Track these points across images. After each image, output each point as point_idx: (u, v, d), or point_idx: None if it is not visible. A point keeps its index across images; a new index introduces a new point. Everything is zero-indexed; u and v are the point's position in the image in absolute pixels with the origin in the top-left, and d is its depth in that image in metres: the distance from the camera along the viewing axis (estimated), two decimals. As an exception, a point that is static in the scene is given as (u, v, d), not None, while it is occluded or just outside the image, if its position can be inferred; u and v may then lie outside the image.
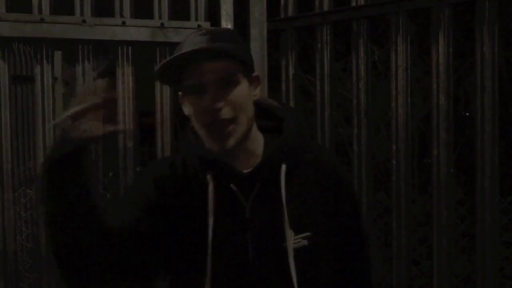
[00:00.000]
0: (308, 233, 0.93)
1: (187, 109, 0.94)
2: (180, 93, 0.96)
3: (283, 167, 0.93)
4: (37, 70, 1.73)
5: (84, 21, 1.73)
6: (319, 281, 0.95)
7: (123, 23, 1.76)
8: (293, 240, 0.91)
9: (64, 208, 0.84)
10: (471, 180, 1.66)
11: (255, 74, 0.96)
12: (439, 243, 1.66)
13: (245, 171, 0.93)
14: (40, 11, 1.71)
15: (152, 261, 0.95)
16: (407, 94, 1.71)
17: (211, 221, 0.90)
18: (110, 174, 2.43)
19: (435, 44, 1.65)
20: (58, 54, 3.07)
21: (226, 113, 0.89)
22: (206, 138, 0.92)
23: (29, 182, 2.72)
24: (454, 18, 1.65)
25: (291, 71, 1.93)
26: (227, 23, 1.82)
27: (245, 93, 0.92)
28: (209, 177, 0.92)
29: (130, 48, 1.78)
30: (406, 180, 1.72)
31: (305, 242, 0.92)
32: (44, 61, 1.73)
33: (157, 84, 1.82)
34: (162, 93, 1.82)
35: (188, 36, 0.93)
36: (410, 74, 1.71)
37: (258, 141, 0.97)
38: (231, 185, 0.92)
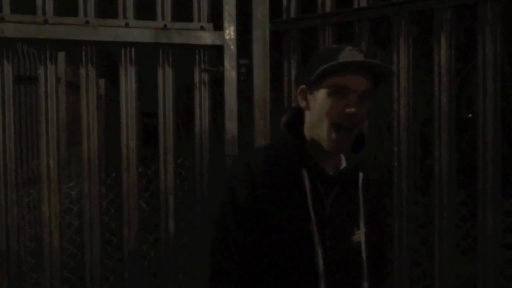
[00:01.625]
0: (365, 230, 1.11)
1: (305, 103, 1.10)
2: (304, 86, 1.10)
3: (361, 175, 1.13)
4: (41, 71, 1.74)
5: (87, 22, 1.74)
6: (372, 268, 1.13)
7: (126, 25, 1.77)
8: (357, 234, 1.10)
9: None
10: (473, 182, 1.66)
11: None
12: (440, 245, 1.66)
13: (330, 173, 1.11)
14: (44, 13, 1.72)
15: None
16: (409, 96, 1.72)
17: (311, 211, 1.06)
18: (113, 174, 2.43)
19: (437, 46, 1.65)
20: (61, 55, 3.09)
21: (355, 122, 1.04)
22: (327, 137, 1.05)
23: (32, 183, 2.74)
24: (456, 20, 1.66)
25: (293, 72, 1.94)
26: (230, 25, 1.83)
27: (368, 111, 1.07)
28: (304, 172, 1.08)
29: (133, 49, 1.79)
30: (408, 181, 1.72)
31: (363, 237, 1.11)
32: (48, 62, 1.74)
33: (160, 85, 1.83)
34: (165, 94, 1.83)
35: (345, 48, 1.06)
36: (412, 75, 1.72)
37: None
38: (318, 183, 1.09)
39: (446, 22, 1.64)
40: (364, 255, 1.10)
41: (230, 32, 1.82)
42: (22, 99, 2.81)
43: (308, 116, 1.12)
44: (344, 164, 1.16)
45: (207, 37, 1.81)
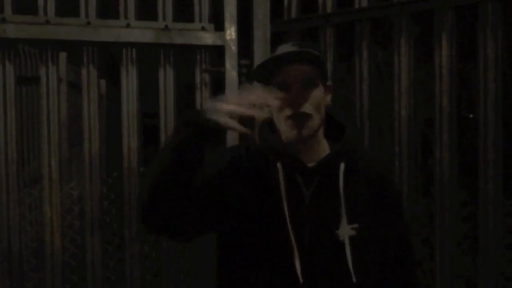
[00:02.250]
0: (356, 225, 1.06)
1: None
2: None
3: (342, 165, 1.08)
4: (42, 71, 1.75)
5: (88, 23, 1.74)
6: (364, 268, 1.08)
7: (128, 25, 1.77)
8: (345, 228, 1.05)
9: (181, 159, 0.98)
10: (474, 182, 1.66)
11: (329, 83, 1.12)
12: (441, 245, 1.66)
13: (309, 164, 1.08)
14: (45, 13, 1.73)
15: (211, 221, 1.08)
16: (410, 96, 1.72)
17: (285, 203, 1.04)
18: (115, 174, 2.44)
19: (438, 46, 1.65)
20: (63, 56, 3.09)
21: (305, 108, 1.05)
22: (286, 128, 1.06)
23: (34, 183, 2.74)
24: (457, 20, 1.66)
25: (294, 72, 1.94)
26: (230, 25, 1.83)
27: (321, 96, 1.08)
28: (279, 165, 1.06)
29: (134, 49, 1.79)
30: (409, 181, 1.72)
31: (353, 232, 1.06)
32: (49, 62, 1.74)
33: (161, 85, 1.83)
34: (166, 94, 1.83)
35: (281, 46, 1.10)
36: (413, 76, 1.72)
37: (322, 143, 1.13)
38: (296, 175, 1.07)
39: (447, 23, 1.64)
40: (348, 249, 1.04)
41: (231, 33, 1.83)
42: (24, 100, 2.81)
43: None
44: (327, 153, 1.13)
45: (208, 38, 1.82)
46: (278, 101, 1.03)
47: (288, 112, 1.05)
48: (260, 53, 1.84)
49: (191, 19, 1.84)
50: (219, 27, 1.83)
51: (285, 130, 1.06)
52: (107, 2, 1.86)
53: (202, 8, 1.84)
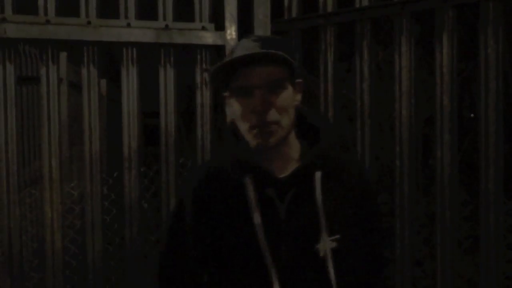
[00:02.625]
0: (337, 236, 0.98)
1: (231, 110, 1.00)
2: (226, 93, 1.01)
3: (318, 174, 0.99)
4: (43, 71, 1.74)
5: (89, 22, 1.74)
6: (346, 280, 1.01)
7: (128, 25, 1.77)
8: (325, 242, 0.97)
9: None
10: (475, 182, 1.65)
11: (298, 80, 1.02)
12: (442, 245, 1.66)
13: (281, 175, 0.99)
14: (45, 13, 1.72)
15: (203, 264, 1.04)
16: (411, 95, 1.71)
17: (257, 219, 0.96)
18: (115, 174, 2.44)
19: (439, 45, 1.65)
20: (63, 56, 3.09)
21: (271, 115, 0.94)
22: (250, 138, 0.97)
23: (34, 183, 2.74)
24: (458, 19, 1.65)
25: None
26: (231, 25, 1.83)
27: (290, 98, 0.97)
28: (247, 180, 0.98)
29: (134, 49, 1.79)
30: (409, 181, 1.72)
31: (334, 244, 0.98)
32: (50, 62, 1.74)
33: (162, 85, 1.83)
34: (166, 94, 1.83)
35: (241, 41, 0.99)
36: (414, 75, 1.71)
37: (294, 147, 1.03)
38: (268, 189, 0.98)
39: (447, 22, 1.64)
40: (330, 263, 0.96)
41: (231, 32, 1.82)
42: (24, 100, 2.81)
43: None
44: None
45: (209, 37, 1.82)
46: (240, 109, 0.95)
47: (252, 121, 0.95)
48: (261, 53, 1.84)
49: (191, 19, 1.84)
50: (220, 26, 1.83)
51: (251, 140, 0.97)
52: (108, 2, 1.86)
53: (202, 7, 1.84)
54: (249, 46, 0.96)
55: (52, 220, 1.75)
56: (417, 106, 1.73)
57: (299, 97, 1.02)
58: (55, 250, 1.76)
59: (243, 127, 0.98)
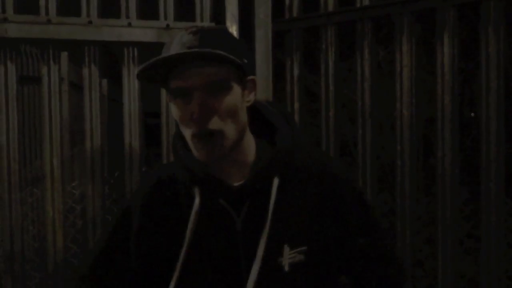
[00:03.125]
0: (304, 247, 0.88)
1: (174, 114, 0.88)
2: (168, 96, 0.90)
3: (276, 180, 0.88)
4: (44, 71, 1.75)
5: (90, 22, 1.74)
6: None
7: (129, 24, 1.77)
8: (288, 255, 0.87)
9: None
10: (476, 181, 1.65)
11: (250, 77, 0.89)
12: (444, 244, 1.66)
13: (235, 183, 0.88)
14: (47, 13, 1.73)
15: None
16: (412, 95, 1.71)
17: (187, 243, 0.86)
18: (116, 174, 2.44)
19: (440, 44, 1.65)
20: (64, 55, 3.09)
21: (213, 123, 0.82)
22: (193, 149, 0.86)
23: (36, 182, 2.74)
24: (459, 18, 1.65)
25: (296, 72, 1.94)
26: (232, 24, 1.83)
27: (236, 101, 0.84)
28: (196, 190, 0.87)
29: (135, 49, 1.79)
30: (410, 180, 1.72)
31: (301, 257, 0.87)
32: (51, 62, 1.74)
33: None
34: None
35: (179, 34, 0.85)
36: (415, 74, 1.71)
37: (250, 150, 0.91)
38: (220, 200, 0.88)
39: (449, 21, 1.64)
40: (295, 278, 0.86)
41: (232, 32, 1.82)
42: (26, 99, 2.81)
43: None
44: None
45: (210, 37, 1.81)
46: (179, 114, 0.83)
47: (192, 130, 0.83)
48: (262, 53, 1.84)
49: (192, 19, 1.84)
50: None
51: (194, 152, 0.85)
52: (109, 2, 1.86)
53: (203, 7, 1.84)
54: (186, 40, 0.82)
55: (53, 220, 1.75)
56: (418, 106, 1.73)
57: (252, 96, 0.90)
58: (56, 250, 1.76)
59: (185, 134, 0.86)
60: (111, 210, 2.52)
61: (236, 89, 0.85)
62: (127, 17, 1.79)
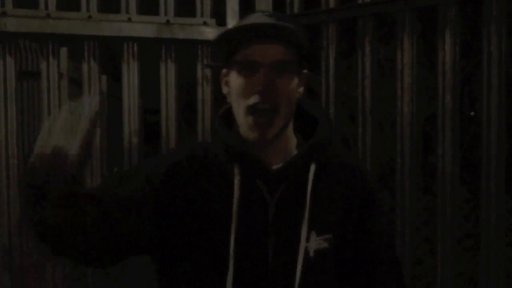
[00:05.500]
0: (329, 235, 0.91)
1: (227, 88, 0.92)
2: (224, 70, 0.93)
3: (313, 166, 0.91)
4: (43, 66, 1.74)
5: (90, 17, 1.73)
6: (336, 281, 0.94)
7: (129, 19, 1.76)
8: (315, 241, 0.90)
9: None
10: (477, 180, 1.65)
11: (304, 71, 0.93)
12: (443, 243, 1.65)
13: (274, 167, 0.90)
14: (46, 7, 1.71)
15: (134, 237, 0.89)
16: (412, 93, 1.70)
17: (235, 218, 0.87)
18: (115, 170, 2.43)
19: (442, 42, 1.64)
20: (63, 50, 3.08)
21: (272, 100, 0.86)
22: (245, 123, 0.88)
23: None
24: (461, 16, 1.64)
25: (296, 68, 1.93)
26: (232, 20, 1.82)
27: (294, 86, 0.89)
28: (236, 169, 0.89)
29: (135, 44, 1.78)
30: (410, 178, 1.71)
31: (326, 244, 0.90)
32: (50, 57, 1.73)
33: (162, 80, 1.82)
34: (167, 90, 1.82)
35: (252, 14, 0.89)
36: (416, 72, 1.71)
37: (291, 139, 0.95)
38: (257, 180, 0.89)
39: (450, 19, 1.63)
40: (319, 264, 0.89)
41: (233, 28, 1.82)
42: (24, 95, 2.80)
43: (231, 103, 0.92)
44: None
45: (210, 33, 1.81)
46: (241, 85, 0.85)
47: (251, 101, 0.85)
48: (262, 49, 1.83)
49: (192, 14, 1.83)
50: (221, 22, 1.82)
51: (245, 128, 0.87)
52: (109, -4, 1.85)
53: (204, 2, 1.83)
54: (261, 18, 0.86)
55: (52, 215, 1.75)
56: (419, 104, 1.72)
57: (302, 89, 0.93)
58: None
59: (239, 109, 0.88)
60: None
61: (295, 77, 0.89)
62: (127, 12, 1.78)
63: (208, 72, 1.83)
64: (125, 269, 1.83)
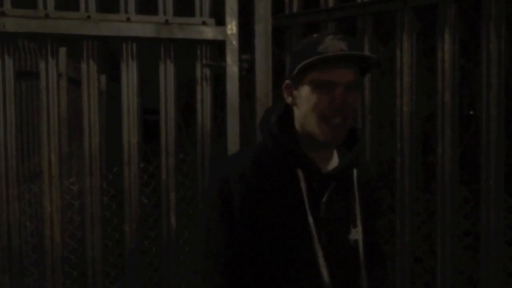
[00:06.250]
0: (359, 228, 1.09)
1: (291, 99, 1.08)
2: (288, 81, 1.08)
3: (355, 171, 1.10)
4: (42, 66, 1.73)
5: (89, 17, 1.73)
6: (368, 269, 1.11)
7: (128, 19, 1.76)
8: (352, 233, 1.08)
9: None
10: (476, 178, 1.65)
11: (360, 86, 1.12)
12: (443, 241, 1.65)
13: (325, 169, 1.08)
14: (45, 7, 1.71)
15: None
16: (412, 92, 1.70)
17: (309, 212, 1.03)
18: (114, 169, 2.43)
19: (441, 41, 1.64)
20: (62, 50, 3.08)
21: (346, 113, 1.01)
22: (318, 129, 1.02)
23: (33, 178, 2.73)
24: (460, 15, 1.64)
25: (295, 68, 1.92)
26: (231, 20, 1.81)
27: (358, 102, 1.10)
28: (299, 171, 1.04)
29: (134, 44, 1.78)
30: (410, 177, 1.71)
31: (358, 235, 1.09)
32: (49, 57, 1.73)
33: (161, 80, 1.82)
34: (166, 90, 1.82)
35: (326, 38, 1.02)
36: (415, 71, 1.71)
37: (333, 148, 1.12)
38: (313, 182, 1.05)
39: (449, 17, 1.63)
40: (361, 254, 1.08)
41: (232, 27, 1.81)
42: (23, 95, 2.80)
43: (297, 112, 1.08)
44: (335, 159, 1.12)
45: (209, 32, 1.80)
46: (317, 101, 1.01)
47: (326, 113, 1.01)
48: (262, 48, 1.83)
49: (191, 14, 1.83)
50: (220, 21, 1.82)
51: (318, 133, 1.02)
52: (107, -4, 1.84)
53: (203, 2, 1.83)
54: (335, 45, 1.00)
55: (51, 215, 1.75)
56: (418, 102, 1.72)
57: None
58: (54, 246, 1.75)
59: (312, 117, 1.02)
60: (109, 206, 2.51)
61: (359, 92, 1.10)
62: (126, 12, 1.78)
63: (207, 72, 1.83)
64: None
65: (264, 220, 1.03)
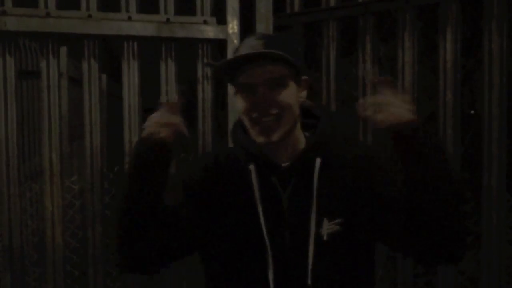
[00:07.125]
0: (340, 220, 1.02)
1: (239, 104, 1.06)
2: (233, 89, 1.07)
3: (318, 160, 1.04)
4: (43, 65, 1.73)
5: (90, 16, 1.73)
6: (350, 262, 1.04)
7: (129, 18, 1.76)
8: (327, 226, 1.01)
9: (142, 195, 0.99)
10: (478, 178, 1.64)
11: (304, 77, 1.06)
12: (444, 241, 1.65)
13: (283, 164, 1.04)
14: (46, 6, 1.71)
15: (189, 242, 1.05)
16: (413, 91, 1.70)
17: (260, 207, 1.01)
18: (116, 169, 2.43)
19: (443, 40, 1.64)
20: (63, 49, 3.07)
21: (271, 111, 1.00)
22: (253, 132, 1.02)
23: (34, 177, 2.73)
24: (461, 14, 1.64)
25: (297, 67, 1.92)
26: (233, 19, 1.81)
27: (292, 95, 1.02)
28: (252, 167, 1.03)
29: (135, 43, 1.78)
30: (412, 177, 1.71)
31: (337, 227, 1.02)
32: (50, 56, 1.73)
33: (163, 79, 1.82)
34: (168, 89, 1.82)
35: (245, 39, 1.05)
36: (416, 70, 1.70)
37: (300, 139, 1.07)
38: (272, 177, 1.03)
39: (451, 16, 1.62)
40: (330, 247, 1.00)
41: (233, 26, 1.81)
42: (25, 94, 2.80)
43: None
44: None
45: (210, 31, 1.80)
46: (243, 104, 1.01)
47: (254, 115, 1.00)
48: (263, 47, 1.83)
49: (193, 13, 1.83)
50: (221, 20, 1.82)
51: (254, 136, 1.02)
52: (108, -5, 1.84)
53: (204, 1, 1.83)
54: (253, 45, 1.01)
55: (52, 214, 1.75)
56: (419, 102, 1.72)
57: (304, 93, 1.06)
58: (55, 245, 1.75)
59: (246, 122, 1.03)
60: (110, 205, 2.51)
61: (292, 85, 1.02)
62: (127, 10, 1.78)
63: (208, 70, 1.83)
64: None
65: (216, 215, 1.04)
